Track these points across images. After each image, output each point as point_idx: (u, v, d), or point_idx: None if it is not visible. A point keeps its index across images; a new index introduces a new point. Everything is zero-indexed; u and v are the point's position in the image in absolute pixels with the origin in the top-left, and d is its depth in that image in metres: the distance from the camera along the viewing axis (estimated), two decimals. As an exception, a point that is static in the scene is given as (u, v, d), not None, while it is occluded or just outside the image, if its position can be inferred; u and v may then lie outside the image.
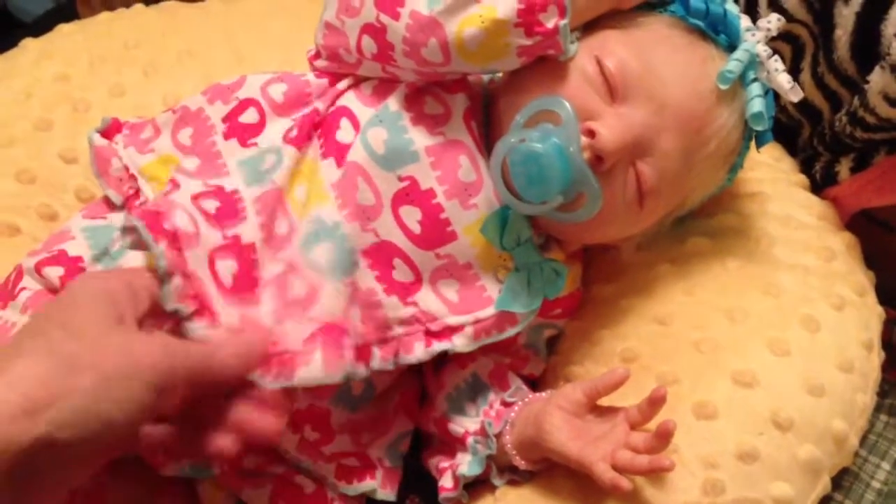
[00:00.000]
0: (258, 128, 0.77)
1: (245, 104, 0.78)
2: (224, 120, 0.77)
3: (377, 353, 0.73)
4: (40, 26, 1.10)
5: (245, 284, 0.70)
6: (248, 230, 0.71)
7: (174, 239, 0.67)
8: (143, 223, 0.67)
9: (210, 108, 0.78)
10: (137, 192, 0.79)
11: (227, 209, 0.72)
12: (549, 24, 0.69)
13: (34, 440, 0.48)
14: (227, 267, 0.69)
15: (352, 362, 0.71)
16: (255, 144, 0.76)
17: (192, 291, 0.66)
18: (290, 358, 0.68)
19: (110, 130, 0.83)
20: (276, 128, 0.76)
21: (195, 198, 0.72)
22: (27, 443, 0.48)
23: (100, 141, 0.81)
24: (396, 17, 0.70)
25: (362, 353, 0.73)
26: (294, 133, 0.75)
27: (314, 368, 0.69)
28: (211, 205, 0.72)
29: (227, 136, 0.77)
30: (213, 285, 0.68)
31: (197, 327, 0.65)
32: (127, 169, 0.79)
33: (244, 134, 0.76)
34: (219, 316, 0.67)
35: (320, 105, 0.77)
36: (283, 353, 0.68)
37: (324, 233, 0.72)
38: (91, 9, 1.41)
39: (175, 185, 0.75)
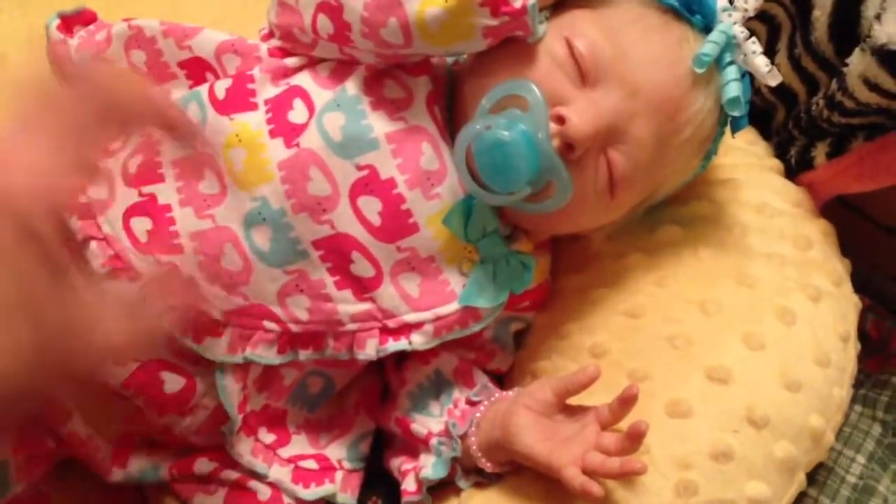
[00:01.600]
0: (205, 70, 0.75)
1: (201, 63, 0.75)
2: (181, 66, 0.75)
3: (331, 343, 0.72)
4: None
5: (161, 240, 0.70)
6: (165, 191, 0.71)
7: (86, 209, 0.70)
8: None
9: (163, 42, 0.74)
10: None
11: (147, 167, 0.72)
12: (517, 4, 0.65)
13: None
14: (142, 224, 0.70)
15: (260, 349, 0.71)
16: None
17: (110, 252, 0.69)
18: (205, 324, 0.70)
19: (71, 21, 0.78)
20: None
21: (126, 160, 0.72)
22: None
23: (56, 35, 0.76)
24: None
25: (304, 341, 0.72)
26: (223, 96, 0.72)
27: (220, 345, 0.71)
28: (133, 163, 0.72)
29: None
30: (128, 241, 0.70)
31: (115, 286, 0.68)
32: None
33: (196, 77, 0.75)
34: (136, 268, 0.69)
35: (261, 75, 0.72)
36: (201, 315, 0.70)
37: (268, 214, 0.69)
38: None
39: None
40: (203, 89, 0.72)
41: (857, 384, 0.81)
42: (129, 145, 0.74)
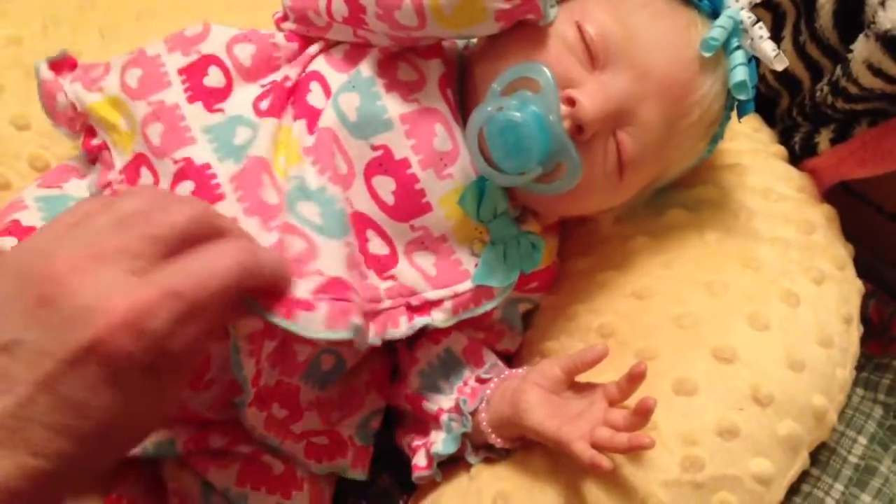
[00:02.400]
0: (224, 92, 0.73)
1: (207, 61, 0.74)
2: (181, 72, 0.74)
3: (372, 327, 0.71)
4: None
5: None
6: (227, 208, 0.68)
7: None
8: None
9: (167, 56, 0.75)
10: (91, 129, 0.76)
11: (202, 189, 0.69)
12: None
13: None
14: None
15: (358, 320, 0.66)
16: (222, 111, 0.72)
17: None
18: (298, 303, 0.63)
19: (62, 65, 0.78)
20: (245, 94, 0.73)
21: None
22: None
23: (46, 74, 0.77)
24: None
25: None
26: (266, 105, 0.72)
27: (317, 319, 0.63)
28: (185, 188, 0.69)
29: (191, 101, 0.73)
30: None
31: None
32: (74, 107, 0.76)
33: (209, 98, 0.73)
34: None
35: (291, 72, 0.73)
36: (290, 299, 0.64)
37: (307, 193, 0.69)
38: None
39: (147, 165, 0.72)
40: (244, 111, 0.72)
41: (859, 368, 0.82)
42: (159, 163, 0.72)
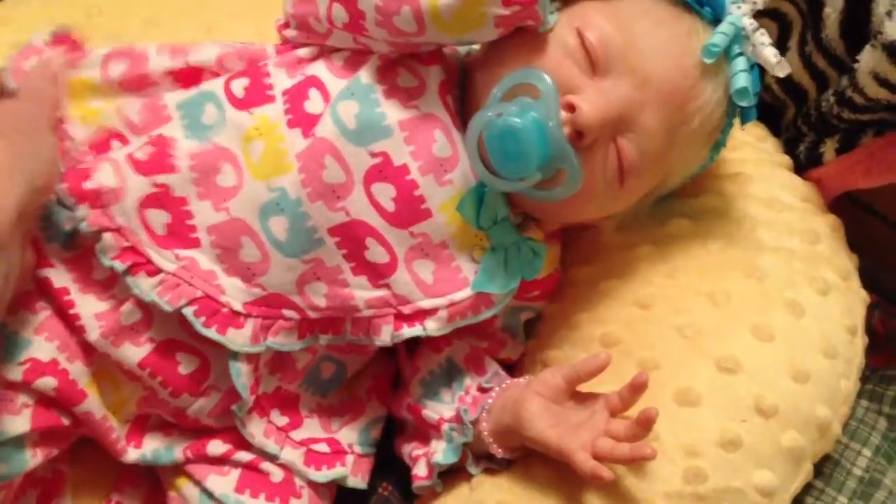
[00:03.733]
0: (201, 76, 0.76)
1: (195, 72, 0.75)
2: (168, 74, 0.75)
3: (349, 328, 0.73)
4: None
5: (179, 233, 0.71)
6: (179, 182, 0.71)
7: (96, 197, 0.69)
8: (66, 185, 0.69)
9: (156, 57, 0.75)
10: None
11: (159, 158, 0.71)
12: None
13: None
14: (159, 217, 0.70)
15: (281, 337, 0.72)
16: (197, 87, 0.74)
17: (125, 244, 0.69)
18: (228, 315, 0.71)
19: (60, 41, 0.78)
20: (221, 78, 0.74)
21: (131, 152, 0.71)
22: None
23: (38, 41, 0.77)
24: None
25: (323, 326, 0.73)
26: (241, 91, 0.72)
27: (243, 335, 0.71)
28: (143, 152, 0.71)
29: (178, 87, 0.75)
30: (146, 234, 0.70)
31: (135, 281, 0.69)
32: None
33: (188, 82, 0.75)
34: (156, 264, 0.69)
35: (276, 70, 0.73)
36: (220, 306, 0.70)
37: (286, 205, 0.70)
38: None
39: (119, 139, 0.73)
40: (217, 89, 0.73)
41: (864, 379, 0.82)
42: (135, 138, 0.74)
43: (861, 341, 0.80)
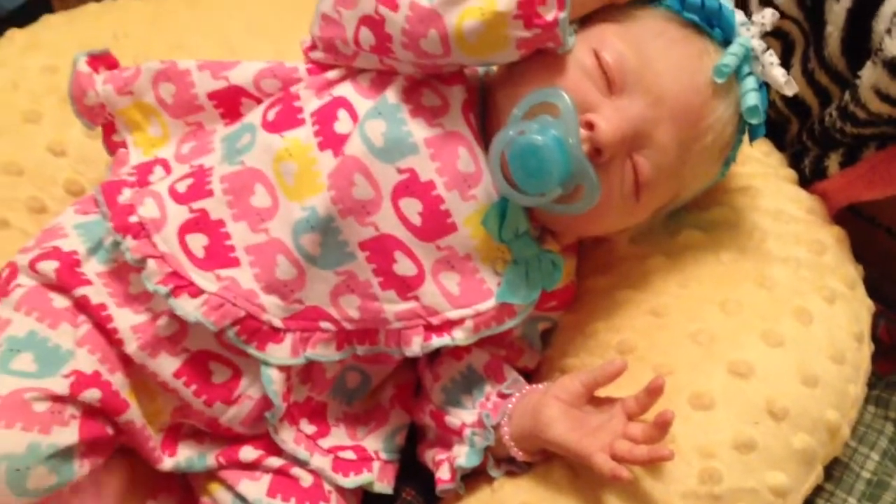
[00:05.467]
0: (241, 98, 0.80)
1: (236, 92, 0.79)
2: (211, 97, 0.79)
3: (382, 339, 0.76)
4: (17, 20, 1.08)
5: (218, 253, 0.74)
6: (215, 206, 0.75)
7: (140, 229, 0.74)
8: (112, 225, 0.74)
9: (197, 74, 0.80)
10: (111, 125, 0.82)
11: (197, 186, 0.76)
12: (549, 17, 0.69)
13: None
14: (198, 241, 0.74)
15: (319, 348, 0.76)
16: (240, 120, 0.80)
17: (168, 270, 0.73)
18: (268, 332, 0.74)
19: (99, 62, 0.83)
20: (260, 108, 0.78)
21: (172, 183, 0.76)
22: None
23: (83, 67, 0.82)
24: (395, 8, 0.70)
25: (360, 337, 0.76)
26: (273, 116, 0.76)
27: (283, 350, 0.75)
28: (183, 185, 0.76)
29: (226, 125, 0.79)
30: (186, 259, 0.74)
31: (178, 303, 0.71)
32: (102, 106, 0.81)
33: (229, 104, 0.80)
34: (198, 285, 0.73)
35: (305, 92, 0.77)
36: (262, 324, 0.73)
37: (316, 222, 0.73)
38: (66, 5, 1.39)
39: (164, 165, 0.79)
40: (255, 119, 0.77)
41: (870, 385, 0.84)
42: (178, 166, 0.79)
43: (868, 348, 0.83)
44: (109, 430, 0.72)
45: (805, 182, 0.93)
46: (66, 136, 0.94)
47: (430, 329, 0.76)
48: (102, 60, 0.83)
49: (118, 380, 0.73)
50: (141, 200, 0.75)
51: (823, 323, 0.79)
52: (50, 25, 1.04)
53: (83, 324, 0.73)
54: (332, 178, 0.73)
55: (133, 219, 0.74)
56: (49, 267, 0.74)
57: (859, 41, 0.83)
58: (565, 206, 0.73)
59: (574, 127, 0.70)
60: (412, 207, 0.73)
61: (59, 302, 0.73)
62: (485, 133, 0.77)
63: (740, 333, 0.78)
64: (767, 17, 0.77)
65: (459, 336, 0.76)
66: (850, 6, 0.83)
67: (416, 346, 0.76)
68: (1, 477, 0.63)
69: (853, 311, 0.82)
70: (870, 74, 0.79)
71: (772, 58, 0.76)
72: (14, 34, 1.03)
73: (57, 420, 0.67)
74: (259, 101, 0.79)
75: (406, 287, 0.75)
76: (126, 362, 0.74)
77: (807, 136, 0.94)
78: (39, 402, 0.67)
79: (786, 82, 0.76)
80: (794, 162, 0.96)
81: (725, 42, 0.77)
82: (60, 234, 0.77)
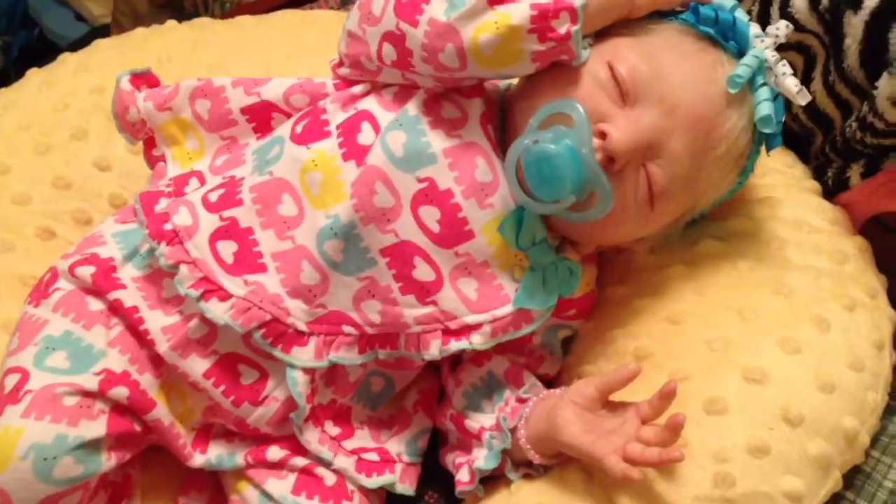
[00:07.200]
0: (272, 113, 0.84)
1: (267, 107, 0.83)
2: (244, 112, 0.83)
3: (402, 343, 0.79)
4: (77, 48, 1.14)
5: (246, 260, 0.78)
6: (244, 214, 0.78)
7: (174, 236, 0.77)
8: (148, 233, 0.78)
9: (231, 91, 0.84)
10: (151, 140, 0.87)
11: (228, 196, 0.79)
12: (562, 30, 0.71)
13: None
14: (228, 247, 0.78)
15: (342, 352, 0.78)
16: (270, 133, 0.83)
17: (199, 275, 0.76)
18: (292, 335, 0.77)
19: (141, 80, 0.88)
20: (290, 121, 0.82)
21: (205, 193, 0.80)
22: None
23: (125, 85, 0.87)
24: (415, 24, 0.73)
25: (381, 341, 0.79)
26: (301, 128, 0.80)
27: (307, 352, 0.77)
28: (215, 195, 0.80)
29: (259, 138, 0.84)
30: (216, 265, 0.77)
31: (208, 307, 0.75)
32: (143, 122, 0.86)
33: (260, 119, 0.84)
34: (227, 290, 0.76)
35: (331, 106, 0.80)
36: (287, 328, 0.76)
37: (338, 229, 0.76)
38: (121, 30, 1.46)
39: (199, 177, 0.83)
40: (285, 132, 0.81)
41: (892, 396, 0.84)
42: (212, 177, 0.83)
43: (888, 357, 0.82)
44: (137, 427, 0.76)
45: (829, 194, 0.94)
46: (111, 153, 1.00)
47: (448, 333, 0.78)
48: (144, 79, 0.88)
49: (146, 380, 0.77)
50: (175, 209, 0.79)
51: (842, 331, 0.80)
52: (99, 49, 1.10)
53: (116, 326, 0.77)
54: (355, 187, 0.76)
55: (167, 226, 0.78)
56: (86, 272, 0.78)
57: (877, 53, 0.84)
58: (580, 213, 0.75)
59: (587, 136, 0.72)
60: (431, 215, 0.76)
61: (95, 305, 0.78)
62: (503, 144, 0.79)
63: (756, 340, 0.79)
64: (782, 28, 0.79)
65: (477, 340, 0.78)
66: (867, 19, 0.84)
67: (434, 349, 0.78)
68: (29, 465, 0.67)
69: (873, 319, 0.82)
70: (886, 85, 0.80)
71: (785, 68, 0.77)
72: (66, 57, 1.09)
73: (85, 414, 0.71)
74: (289, 116, 0.83)
75: (425, 292, 0.77)
76: (157, 363, 0.78)
77: (829, 148, 0.95)
78: (69, 396, 0.71)
79: (798, 92, 0.77)
80: (818, 174, 0.96)
81: (740, 54, 0.78)
82: (100, 242, 0.82)
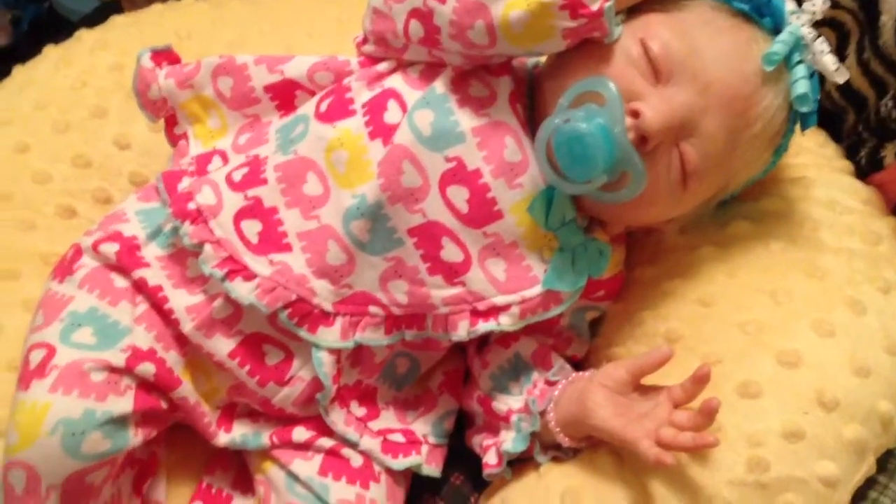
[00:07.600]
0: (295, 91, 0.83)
1: (290, 85, 0.82)
2: (267, 90, 0.82)
3: (430, 324, 0.78)
4: (88, 23, 1.13)
5: (271, 239, 0.77)
6: (269, 193, 0.77)
7: (198, 215, 0.76)
8: (172, 212, 0.77)
9: (254, 68, 0.83)
10: (172, 118, 0.87)
11: (252, 175, 0.78)
12: (594, 7, 0.70)
13: None
14: (252, 227, 0.77)
15: (368, 332, 0.78)
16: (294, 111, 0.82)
17: (224, 254, 0.75)
18: (318, 315, 0.76)
19: (162, 57, 0.87)
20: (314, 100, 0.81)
21: (229, 172, 0.79)
22: None
23: (147, 62, 0.86)
24: (443, 0, 0.71)
25: (408, 322, 0.78)
26: (325, 107, 0.78)
27: (333, 333, 0.76)
28: (239, 173, 0.79)
29: (281, 116, 0.82)
30: (241, 244, 0.76)
31: (233, 286, 0.74)
32: (165, 100, 0.85)
33: (284, 97, 0.83)
34: (252, 269, 0.75)
35: (356, 84, 0.79)
36: (313, 308, 0.75)
37: (365, 209, 0.74)
38: (135, 6, 1.45)
39: (222, 156, 0.82)
40: (309, 110, 0.79)
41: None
42: (235, 156, 0.82)
43: (926, 341, 0.81)
44: (164, 405, 0.76)
45: (862, 174, 0.92)
46: (131, 131, 0.98)
47: (476, 314, 0.77)
48: (165, 56, 0.87)
49: (172, 357, 0.76)
50: (199, 188, 0.78)
51: (877, 313, 0.78)
52: (117, 26, 1.09)
53: (141, 303, 0.77)
54: (382, 167, 0.74)
55: (191, 205, 0.77)
56: (110, 249, 0.77)
57: (914, 29, 0.82)
58: (612, 193, 0.73)
59: (619, 115, 0.70)
60: (459, 195, 0.75)
61: (120, 282, 0.77)
62: (532, 123, 0.78)
63: (789, 323, 0.77)
64: (818, 4, 0.76)
65: (506, 322, 0.77)
66: (905, -6, 0.82)
67: (462, 331, 0.77)
68: (57, 440, 0.67)
69: (910, 302, 0.81)
70: (923, 63, 0.79)
71: (823, 45, 0.75)
72: (83, 34, 1.08)
73: (113, 389, 0.71)
74: (313, 94, 0.81)
75: (453, 273, 0.76)
76: (182, 342, 0.77)
77: (863, 126, 0.93)
78: (97, 372, 0.70)
79: (836, 69, 0.75)
80: (851, 153, 0.95)
81: (775, 31, 0.76)
82: (123, 220, 0.81)
